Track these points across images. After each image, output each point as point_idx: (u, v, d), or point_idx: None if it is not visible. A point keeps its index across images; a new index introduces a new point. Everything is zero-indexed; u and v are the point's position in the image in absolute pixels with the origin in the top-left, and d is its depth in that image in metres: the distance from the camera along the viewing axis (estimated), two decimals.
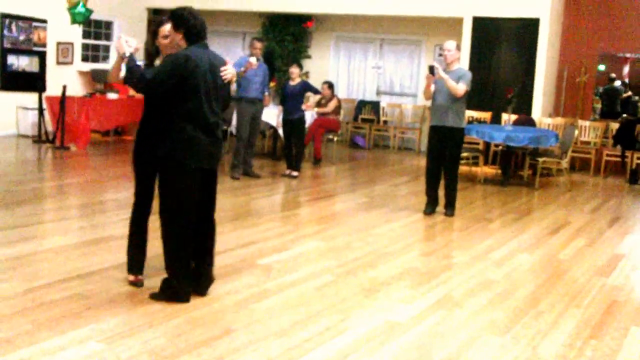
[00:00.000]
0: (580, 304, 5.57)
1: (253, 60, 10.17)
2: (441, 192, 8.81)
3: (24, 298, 4.90)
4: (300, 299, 5.29)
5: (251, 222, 7.78)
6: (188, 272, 5.03)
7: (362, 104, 16.22)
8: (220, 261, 6.08)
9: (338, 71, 16.66)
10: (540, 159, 11.43)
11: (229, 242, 6.76)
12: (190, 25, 4.89)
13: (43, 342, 4.17)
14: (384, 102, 16.09)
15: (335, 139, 13.51)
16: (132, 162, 5.25)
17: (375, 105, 16.06)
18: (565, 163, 11.61)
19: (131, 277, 5.30)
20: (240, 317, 4.80)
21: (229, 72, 5.11)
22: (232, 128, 12.58)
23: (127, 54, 4.86)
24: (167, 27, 5.06)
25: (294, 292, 5.43)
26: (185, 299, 4.97)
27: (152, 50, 5.23)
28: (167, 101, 4.86)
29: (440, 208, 8.85)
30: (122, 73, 5.00)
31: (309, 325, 4.72)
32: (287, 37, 16.16)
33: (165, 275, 5.03)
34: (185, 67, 4.77)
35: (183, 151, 4.85)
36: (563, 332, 4.87)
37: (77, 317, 4.59)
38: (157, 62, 5.17)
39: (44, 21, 14.00)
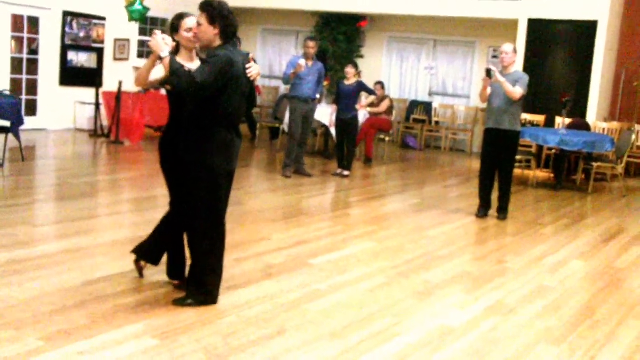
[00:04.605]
0: (639, 315, 5.45)
1: (302, 62, 10.23)
2: (494, 196, 8.73)
3: (82, 290, 4.98)
4: (353, 300, 5.28)
5: (303, 222, 7.79)
6: (220, 274, 4.96)
7: (414, 105, 16.13)
8: (273, 259, 6.15)
9: (390, 71, 16.59)
10: (595, 164, 11.22)
11: (281, 241, 6.79)
12: (229, 22, 4.67)
13: (100, 335, 4.24)
14: (436, 102, 15.98)
15: (387, 139, 13.46)
16: (161, 167, 5.12)
17: (427, 106, 15.96)
18: (620, 168, 11.38)
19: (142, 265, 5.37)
20: (293, 317, 4.81)
21: (254, 69, 4.88)
22: (284, 126, 12.64)
23: (166, 54, 4.58)
24: (189, 21, 4.85)
25: (346, 293, 5.42)
26: (214, 301, 4.90)
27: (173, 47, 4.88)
28: (202, 104, 4.65)
29: (493, 211, 8.76)
30: (157, 74, 4.78)
31: (362, 328, 4.71)
32: (340, 37, 16.15)
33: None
34: (231, 70, 4.62)
35: (219, 156, 4.72)
36: (621, 344, 4.77)
37: (132, 312, 4.66)
38: (178, 58, 4.81)
39: (103, 18, 14.25)
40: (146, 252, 5.29)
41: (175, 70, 4.52)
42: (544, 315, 5.26)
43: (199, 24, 4.72)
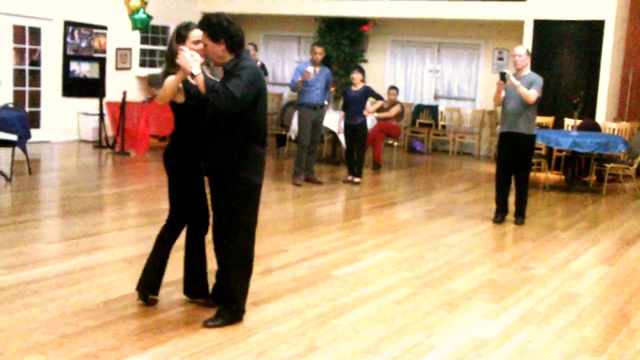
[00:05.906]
0: None
1: (310, 69, 10.11)
2: (510, 199, 8.60)
3: (103, 310, 4.84)
4: (381, 313, 5.14)
5: (319, 231, 7.65)
6: (247, 290, 4.80)
7: (419, 108, 16.00)
8: (295, 272, 6.02)
9: (395, 75, 16.45)
10: (608, 165, 11.09)
11: (301, 252, 6.66)
12: (233, 33, 4.40)
13: (128, 358, 4.10)
14: (442, 106, 15.85)
15: (395, 144, 13.33)
16: (176, 183, 4.90)
17: (433, 110, 15.83)
18: (633, 169, 11.24)
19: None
20: (323, 333, 4.66)
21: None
22: (292, 133, 12.50)
23: (198, 71, 4.32)
24: (196, 32, 4.59)
25: (373, 306, 5.28)
26: (240, 319, 4.73)
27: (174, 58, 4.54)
28: (234, 119, 4.44)
29: (509, 216, 8.63)
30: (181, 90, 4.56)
31: (395, 342, 4.57)
32: (343, 41, 16.00)
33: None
34: (260, 82, 4.46)
35: (253, 171, 4.55)
36: None
37: (158, 332, 4.51)
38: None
39: (105, 28, 14.11)
40: (151, 284, 5.00)
41: (211, 87, 4.28)
42: (577, 324, 5.12)
43: (204, 45, 4.47)
